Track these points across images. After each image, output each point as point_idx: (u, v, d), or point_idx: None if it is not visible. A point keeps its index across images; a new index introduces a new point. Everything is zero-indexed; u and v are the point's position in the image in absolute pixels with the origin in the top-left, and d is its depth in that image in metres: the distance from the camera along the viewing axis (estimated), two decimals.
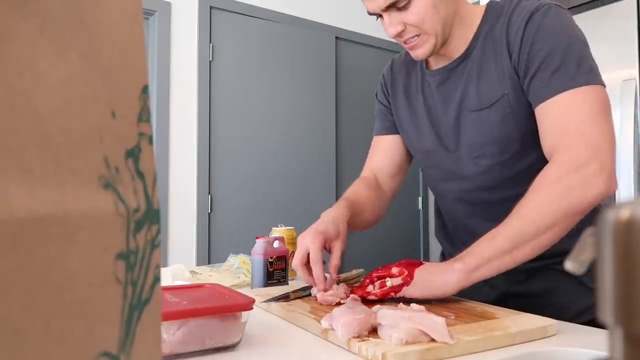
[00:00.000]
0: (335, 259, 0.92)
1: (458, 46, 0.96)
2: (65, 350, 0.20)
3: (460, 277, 0.79)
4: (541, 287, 0.95)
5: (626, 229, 0.18)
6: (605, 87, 0.84)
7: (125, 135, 0.25)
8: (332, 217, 0.96)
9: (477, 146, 0.94)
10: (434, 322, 0.63)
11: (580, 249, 0.23)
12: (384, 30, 0.95)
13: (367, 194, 1.10)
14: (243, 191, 2.86)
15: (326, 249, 0.94)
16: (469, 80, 0.94)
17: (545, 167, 0.81)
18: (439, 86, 1.00)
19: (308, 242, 0.90)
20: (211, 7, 2.81)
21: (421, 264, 0.86)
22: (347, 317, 0.65)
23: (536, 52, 0.84)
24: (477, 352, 0.63)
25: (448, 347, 0.61)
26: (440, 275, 0.82)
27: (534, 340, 0.68)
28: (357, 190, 1.11)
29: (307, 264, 0.91)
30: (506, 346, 0.65)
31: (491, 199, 0.96)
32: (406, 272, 0.85)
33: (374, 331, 0.66)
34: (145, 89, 0.27)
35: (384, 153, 1.16)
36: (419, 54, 0.94)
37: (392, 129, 1.14)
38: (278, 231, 1.25)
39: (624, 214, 0.18)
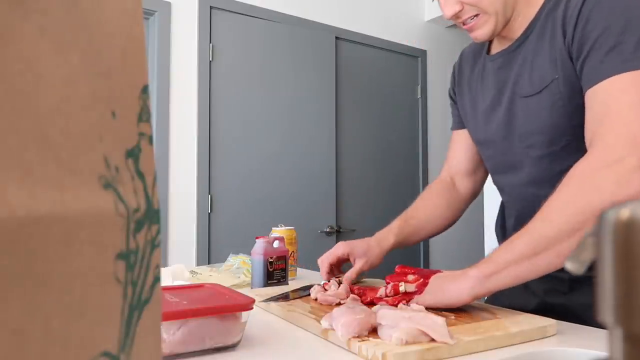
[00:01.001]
0: (350, 272, 1.02)
1: (520, 27, 0.89)
2: (65, 350, 0.20)
3: (474, 284, 0.74)
4: (584, 301, 0.85)
5: (626, 229, 0.18)
6: None
7: (125, 135, 0.25)
8: (374, 239, 1.07)
9: (526, 134, 0.88)
10: (434, 322, 0.63)
11: (580, 249, 0.23)
12: (441, 10, 0.89)
13: (432, 204, 1.13)
14: (243, 191, 2.86)
15: (351, 261, 1.05)
16: (524, 64, 0.88)
17: (577, 162, 0.73)
18: (498, 70, 0.94)
19: (335, 247, 1.05)
20: (211, 7, 2.81)
21: (439, 272, 0.84)
22: (347, 317, 0.65)
23: (590, 30, 0.76)
24: (477, 352, 0.63)
25: (448, 347, 0.61)
26: (453, 283, 0.77)
27: (534, 340, 0.68)
28: (424, 199, 1.15)
29: (332, 264, 1.05)
30: (506, 346, 0.65)
31: (540, 195, 0.88)
32: (421, 280, 0.84)
33: (374, 331, 0.66)
34: (145, 89, 0.27)
35: (459, 148, 1.13)
36: (478, 35, 0.88)
37: (460, 123, 1.11)
38: (278, 231, 1.25)
39: (624, 214, 0.18)
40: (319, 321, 0.72)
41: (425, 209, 1.12)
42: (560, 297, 0.88)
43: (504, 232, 1.06)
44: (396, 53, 3.55)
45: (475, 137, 1.04)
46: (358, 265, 1.02)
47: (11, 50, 0.19)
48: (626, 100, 0.71)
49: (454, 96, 1.12)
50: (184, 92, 2.72)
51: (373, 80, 3.45)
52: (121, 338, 0.23)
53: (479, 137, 1.02)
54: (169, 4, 2.68)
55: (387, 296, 0.85)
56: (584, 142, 0.79)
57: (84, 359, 0.21)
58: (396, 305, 0.81)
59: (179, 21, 2.72)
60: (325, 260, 1.05)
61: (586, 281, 0.85)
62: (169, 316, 0.61)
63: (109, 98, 0.24)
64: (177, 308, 0.63)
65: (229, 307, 0.66)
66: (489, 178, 1.10)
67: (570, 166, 0.80)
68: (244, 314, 0.66)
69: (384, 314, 0.66)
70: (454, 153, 1.15)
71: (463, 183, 1.14)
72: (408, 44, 3.58)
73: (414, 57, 3.67)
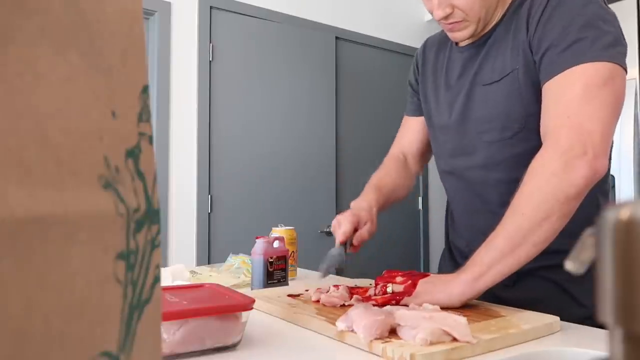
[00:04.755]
0: (360, 233, 1.01)
1: (490, 25, 0.96)
2: (65, 350, 0.20)
3: (464, 288, 0.77)
4: (529, 295, 0.91)
5: (626, 229, 0.18)
6: (620, 65, 0.79)
7: (125, 135, 0.25)
8: (366, 205, 1.06)
9: (481, 121, 0.94)
10: (456, 322, 0.63)
11: (580, 249, 0.23)
12: (428, 11, 0.95)
13: (396, 175, 1.17)
14: (243, 191, 2.86)
15: (357, 229, 1.03)
16: (488, 55, 0.94)
17: (535, 157, 0.79)
18: (465, 61, 1.00)
19: (344, 223, 1.00)
20: (211, 7, 2.81)
21: (427, 275, 0.85)
22: (369, 319, 0.64)
23: (550, 28, 0.82)
24: (495, 350, 0.63)
25: (471, 346, 0.61)
26: (444, 287, 0.79)
27: (541, 337, 0.69)
28: (386, 170, 1.18)
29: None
30: (519, 343, 0.66)
31: (488, 179, 0.96)
32: (410, 282, 0.84)
33: (392, 332, 0.66)
34: (145, 89, 0.27)
35: (412, 132, 1.21)
36: (458, 36, 0.95)
37: (417, 111, 1.18)
38: (278, 231, 1.25)
39: (624, 214, 0.18)
40: (331, 323, 0.71)
41: (392, 178, 1.18)
42: (507, 290, 0.91)
43: (452, 220, 1.11)
44: (396, 53, 3.54)
45: (434, 122, 1.09)
46: (367, 228, 1.03)
47: (11, 51, 0.19)
48: (574, 92, 0.78)
49: (415, 84, 1.18)
50: (184, 92, 2.72)
51: (373, 80, 3.45)
52: (121, 338, 0.23)
53: (439, 122, 1.06)
54: (169, 4, 2.68)
55: (375, 296, 0.85)
56: (533, 133, 0.86)
57: (84, 358, 0.21)
58: (386, 304, 0.80)
59: (179, 21, 2.72)
60: (345, 234, 1.03)
61: (526, 275, 0.89)
62: (169, 316, 0.61)
63: (109, 98, 0.24)
64: (177, 308, 0.63)
65: (229, 307, 0.66)
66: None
67: (519, 153, 0.89)
68: (244, 314, 0.66)
69: (402, 314, 0.66)
70: (407, 135, 1.22)
71: (412, 162, 1.23)
72: (408, 44, 3.58)
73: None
